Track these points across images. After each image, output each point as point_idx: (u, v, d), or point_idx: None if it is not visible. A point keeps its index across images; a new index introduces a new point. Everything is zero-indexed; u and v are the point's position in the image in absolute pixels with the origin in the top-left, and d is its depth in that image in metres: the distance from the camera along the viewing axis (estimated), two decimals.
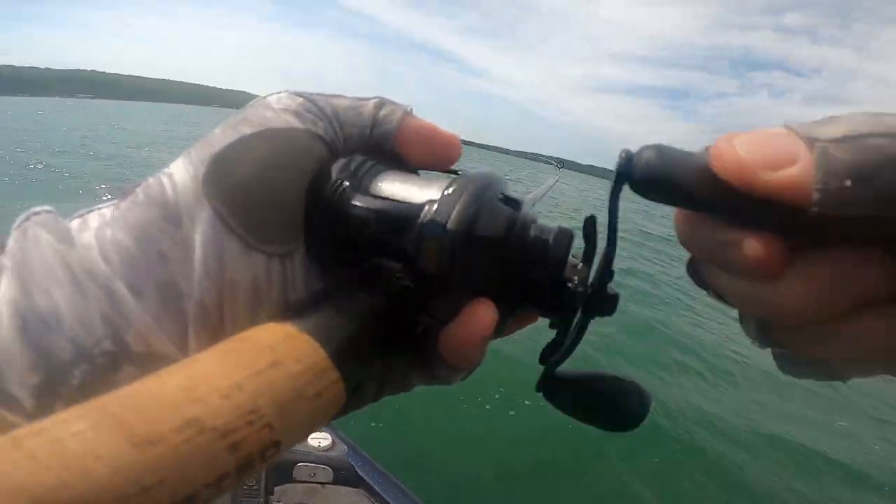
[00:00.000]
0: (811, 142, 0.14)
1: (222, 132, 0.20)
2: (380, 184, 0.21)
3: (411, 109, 0.23)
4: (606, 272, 0.19)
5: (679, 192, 0.16)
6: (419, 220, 0.19)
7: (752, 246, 0.15)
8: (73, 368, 0.15)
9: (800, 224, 0.14)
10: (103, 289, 0.16)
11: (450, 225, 0.18)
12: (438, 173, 0.23)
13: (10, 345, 0.14)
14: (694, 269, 0.18)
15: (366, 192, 0.20)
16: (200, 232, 0.17)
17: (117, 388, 0.13)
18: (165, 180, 0.18)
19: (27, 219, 0.17)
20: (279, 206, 0.19)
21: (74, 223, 0.18)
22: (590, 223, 0.21)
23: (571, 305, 0.20)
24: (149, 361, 0.15)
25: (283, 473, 1.32)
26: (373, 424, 2.28)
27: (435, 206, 0.19)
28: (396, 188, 0.20)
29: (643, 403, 0.22)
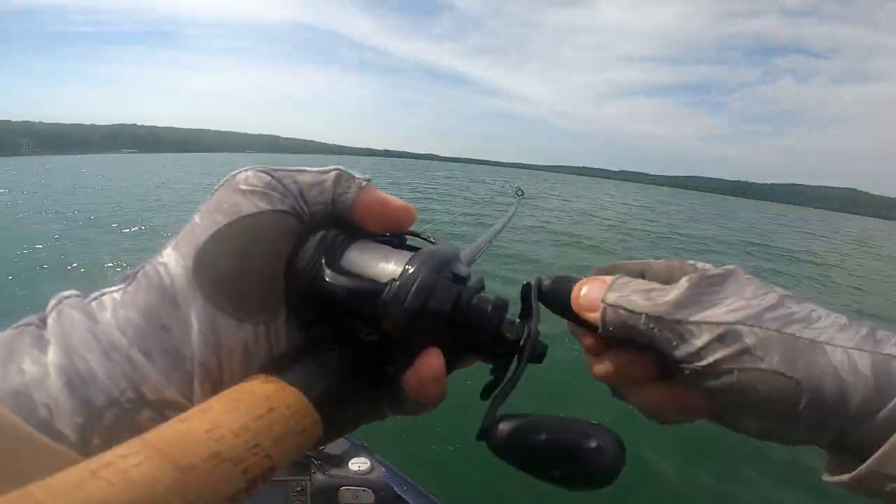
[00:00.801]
0: (602, 302, 0.27)
1: (201, 221, 0.23)
2: (349, 258, 0.25)
3: (367, 182, 0.27)
4: (534, 330, 0.26)
5: (562, 311, 0.30)
6: (383, 297, 0.23)
7: (585, 340, 0.31)
8: (105, 412, 0.19)
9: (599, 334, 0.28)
10: (124, 355, 0.20)
11: (407, 304, 0.22)
12: (400, 246, 0.27)
13: (58, 395, 0.19)
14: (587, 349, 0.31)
15: (336, 267, 0.24)
16: (195, 314, 0.21)
17: (140, 426, 0.18)
18: (161, 269, 0.22)
19: (59, 302, 0.22)
20: (261, 283, 0.23)
21: (94, 304, 0.22)
22: (526, 289, 0.29)
23: (506, 355, 0.26)
24: (162, 406, 0.20)
25: (329, 498, 1.44)
26: (408, 447, 2.40)
27: (396, 285, 0.23)
28: (363, 264, 0.24)
29: (612, 453, 0.23)
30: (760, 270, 7.52)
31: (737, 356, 0.23)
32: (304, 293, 0.24)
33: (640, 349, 0.28)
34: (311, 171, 0.26)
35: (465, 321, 0.25)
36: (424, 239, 0.28)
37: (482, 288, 0.27)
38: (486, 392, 0.26)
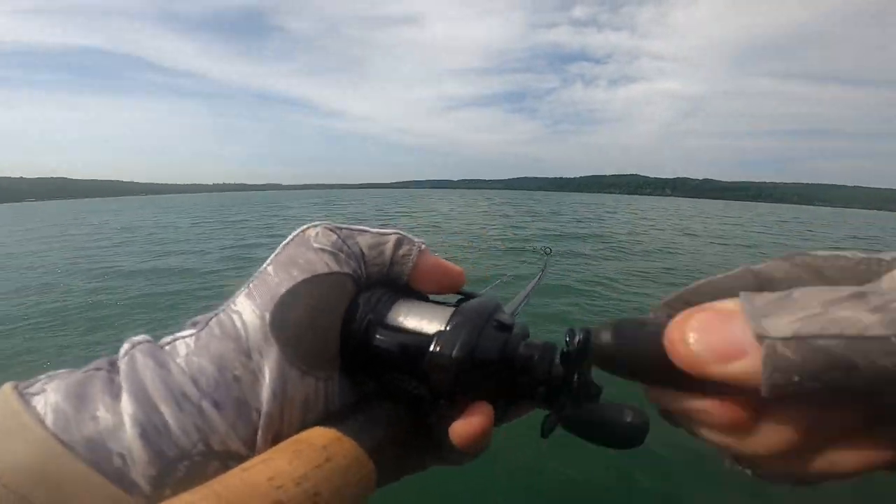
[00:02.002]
0: (761, 337, 0.15)
1: (276, 273, 0.25)
2: (396, 315, 0.26)
3: (425, 247, 0.28)
4: (586, 370, 0.24)
5: (638, 374, 0.20)
6: (430, 350, 0.23)
7: (717, 413, 0.18)
8: (177, 464, 0.19)
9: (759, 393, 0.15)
10: (195, 406, 0.21)
11: (454, 354, 0.23)
12: (443, 299, 0.28)
13: (132, 446, 0.19)
14: (666, 416, 0.21)
15: (385, 324, 0.25)
16: (269, 364, 0.22)
17: (208, 478, 0.18)
18: (236, 318, 0.23)
19: (132, 346, 0.22)
20: (325, 341, 0.24)
21: (167, 349, 0.22)
22: (572, 333, 0.24)
23: (560, 397, 0.25)
24: (227, 458, 0.21)
25: None
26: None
27: (442, 339, 0.24)
28: (410, 320, 0.25)
29: (641, 423, 0.24)
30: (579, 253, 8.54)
31: None
32: (357, 351, 0.25)
33: (834, 398, 0.16)
34: (372, 232, 0.28)
35: (513, 368, 0.25)
36: (468, 294, 0.29)
37: (527, 335, 0.27)
38: (544, 430, 0.25)
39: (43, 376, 0.21)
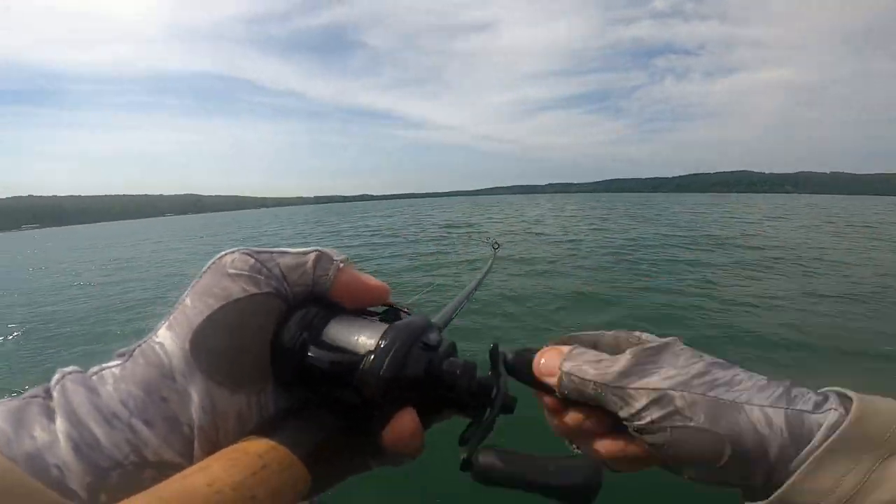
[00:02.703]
0: (560, 370, 0.32)
1: (193, 304, 0.26)
2: (329, 333, 0.28)
3: (344, 263, 0.30)
4: (502, 385, 0.30)
5: (525, 380, 0.34)
6: (361, 367, 0.26)
7: (545, 400, 0.35)
8: (111, 472, 0.21)
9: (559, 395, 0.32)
10: (125, 424, 0.23)
11: (383, 373, 0.26)
12: (376, 318, 0.30)
13: (67, 459, 0.21)
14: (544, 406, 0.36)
15: (318, 342, 0.27)
16: (195, 388, 0.24)
17: (143, 484, 0.20)
18: (158, 348, 0.25)
19: (63, 376, 0.24)
20: (251, 358, 0.26)
21: (94, 378, 0.24)
22: (493, 350, 0.33)
23: (479, 408, 0.29)
24: (163, 467, 0.22)
25: None
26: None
27: (372, 357, 0.26)
28: (342, 338, 0.27)
29: (588, 486, 0.27)
30: (713, 265, 7.90)
31: (669, 416, 0.28)
32: (290, 366, 0.27)
33: (592, 408, 0.32)
34: (292, 253, 0.29)
35: (437, 383, 0.28)
36: (399, 309, 0.31)
37: (453, 352, 0.31)
38: (462, 439, 0.28)
39: None
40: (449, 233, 15.40)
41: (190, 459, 0.23)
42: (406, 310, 0.32)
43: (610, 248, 9.95)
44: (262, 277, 0.27)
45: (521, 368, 0.34)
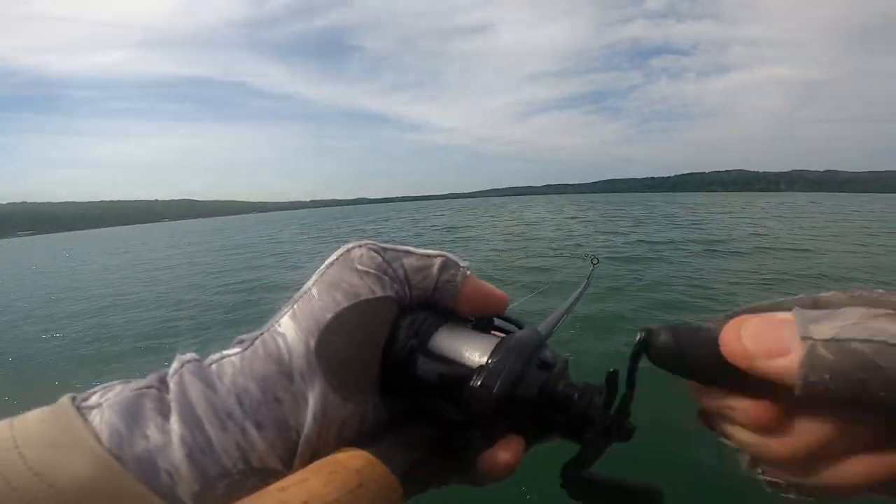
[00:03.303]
0: (804, 339, 0.18)
1: (320, 298, 0.25)
2: (439, 343, 0.26)
3: (469, 271, 0.29)
4: (624, 410, 0.26)
5: (691, 371, 0.23)
6: (471, 383, 0.24)
7: (752, 412, 0.21)
8: (218, 482, 0.21)
9: (791, 396, 0.19)
10: (239, 426, 0.22)
11: (496, 391, 0.23)
12: (487, 328, 0.28)
13: (179, 464, 0.20)
14: (705, 418, 0.25)
15: (427, 352, 0.26)
16: (313, 389, 0.24)
17: (245, 493, 0.20)
18: (280, 340, 0.24)
19: (181, 366, 0.24)
20: (367, 368, 0.25)
21: (213, 367, 0.24)
22: (612, 376, 0.26)
23: (591, 436, 0.25)
24: (264, 475, 0.22)
25: None
26: None
27: (484, 373, 0.24)
28: (453, 349, 0.26)
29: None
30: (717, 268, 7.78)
31: None
32: (397, 375, 0.26)
33: (860, 407, 0.18)
34: (418, 254, 0.28)
35: (550, 405, 0.26)
36: (511, 321, 0.29)
37: (566, 372, 0.28)
38: (565, 469, 0.26)
39: (98, 388, 0.22)
40: (453, 238, 15.27)
41: (289, 467, 0.23)
42: (517, 321, 0.29)
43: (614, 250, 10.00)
44: (388, 279, 0.26)
45: (690, 352, 0.23)
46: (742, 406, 0.21)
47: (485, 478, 0.26)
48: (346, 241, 0.28)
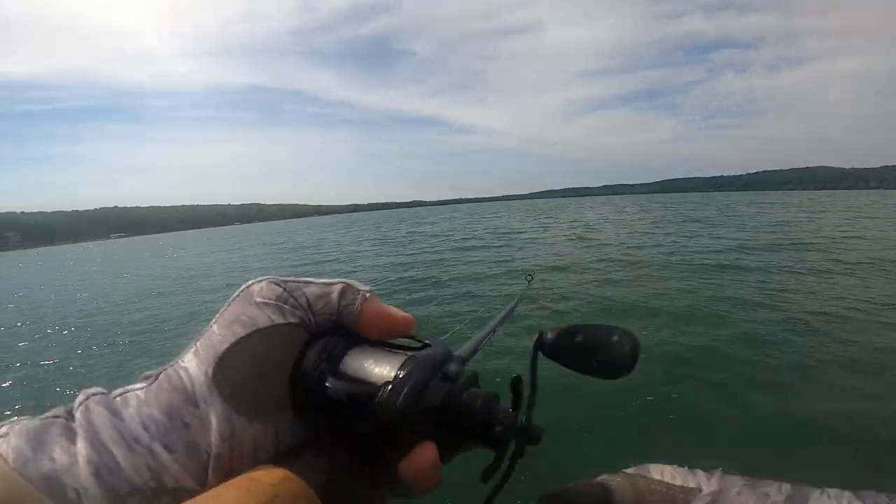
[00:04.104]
0: None
1: (219, 331, 0.27)
2: (348, 363, 0.28)
3: (369, 294, 0.31)
4: (529, 414, 0.29)
5: (570, 362, 0.32)
6: (378, 398, 0.26)
7: None
8: (128, 498, 0.22)
9: None
10: (146, 448, 0.23)
11: (399, 403, 0.25)
12: (396, 348, 0.30)
13: (86, 483, 0.21)
14: None
15: (336, 373, 0.28)
16: (215, 413, 0.25)
17: None
18: (182, 373, 0.26)
19: (87, 398, 0.25)
20: (273, 388, 0.27)
21: (118, 400, 0.25)
22: (516, 382, 0.30)
23: (500, 441, 0.28)
24: (178, 493, 0.23)
25: None
26: None
27: (389, 388, 0.26)
28: (360, 369, 0.28)
29: (630, 345, 0.29)
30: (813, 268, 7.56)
31: None
32: (308, 396, 0.27)
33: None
34: (318, 283, 0.30)
35: (455, 414, 0.28)
36: (420, 341, 0.31)
37: (474, 384, 0.30)
38: (485, 474, 0.28)
39: (5, 423, 0.23)
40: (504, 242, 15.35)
41: (204, 486, 0.23)
42: (428, 341, 0.31)
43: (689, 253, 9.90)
44: (288, 307, 0.28)
45: (566, 348, 0.32)
46: None
47: (410, 486, 0.27)
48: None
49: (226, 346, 0.26)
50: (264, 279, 0.29)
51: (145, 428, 0.23)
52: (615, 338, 0.30)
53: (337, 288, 0.30)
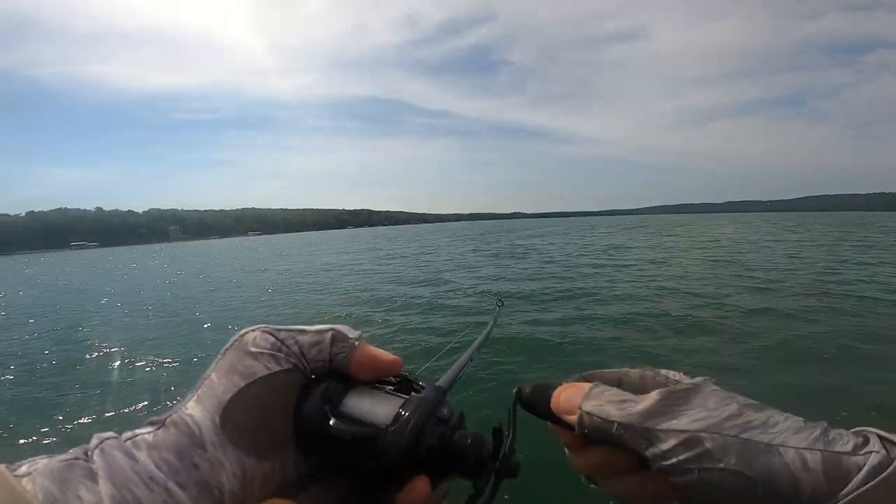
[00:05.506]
0: (579, 407, 0.33)
1: (220, 381, 0.29)
2: (349, 405, 0.31)
3: (359, 342, 0.33)
4: (509, 452, 0.34)
5: (543, 414, 0.36)
6: (381, 439, 0.29)
7: (563, 438, 0.36)
8: None
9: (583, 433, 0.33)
10: (162, 486, 0.25)
11: (403, 445, 0.29)
12: (395, 392, 0.33)
13: None
14: (562, 445, 0.37)
15: (338, 414, 0.31)
16: (226, 455, 0.27)
17: None
18: (188, 419, 0.28)
19: (101, 441, 0.27)
20: (277, 429, 0.30)
21: (129, 443, 0.27)
22: (497, 432, 0.35)
23: (485, 476, 0.33)
24: None
25: None
26: None
27: (392, 430, 0.29)
28: (362, 411, 0.31)
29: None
30: None
31: (698, 458, 0.28)
32: (312, 435, 0.30)
33: (613, 446, 0.32)
34: (310, 332, 0.32)
35: (448, 452, 0.32)
36: (411, 381, 0.35)
37: (461, 425, 0.34)
38: (470, 502, 0.32)
39: (24, 463, 0.25)
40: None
41: None
42: (418, 381, 0.35)
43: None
44: (283, 355, 0.30)
45: (539, 404, 0.36)
46: (563, 436, 0.36)
47: None
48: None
49: (229, 395, 0.28)
50: (257, 329, 0.31)
51: (159, 468, 0.25)
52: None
53: (328, 336, 0.32)
